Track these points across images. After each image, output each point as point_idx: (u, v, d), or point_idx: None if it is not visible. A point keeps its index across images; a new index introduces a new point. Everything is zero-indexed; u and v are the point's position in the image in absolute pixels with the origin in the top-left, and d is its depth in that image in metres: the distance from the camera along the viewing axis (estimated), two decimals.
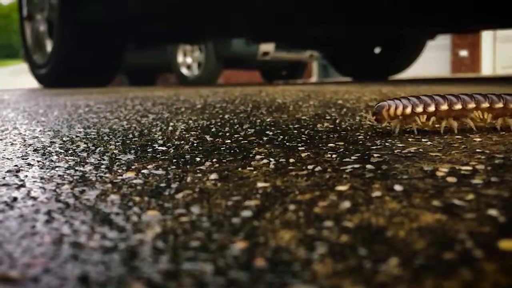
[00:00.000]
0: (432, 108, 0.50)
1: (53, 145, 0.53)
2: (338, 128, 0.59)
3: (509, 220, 0.24)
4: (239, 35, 3.08)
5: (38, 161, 0.44)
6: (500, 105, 0.50)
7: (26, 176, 0.38)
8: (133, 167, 0.40)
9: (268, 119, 0.70)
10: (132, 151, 0.47)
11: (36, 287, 0.18)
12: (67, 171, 0.39)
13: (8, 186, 0.34)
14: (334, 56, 3.25)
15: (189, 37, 2.86)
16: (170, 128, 0.65)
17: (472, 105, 0.50)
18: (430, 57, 6.40)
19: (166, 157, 0.44)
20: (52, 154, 0.47)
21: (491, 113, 0.51)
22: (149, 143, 0.52)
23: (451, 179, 0.32)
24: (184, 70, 4.40)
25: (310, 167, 0.37)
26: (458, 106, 0.50)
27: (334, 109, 0.80)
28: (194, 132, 0.59)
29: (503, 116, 0.51)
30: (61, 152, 0.48)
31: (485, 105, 0.50)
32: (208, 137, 0.54)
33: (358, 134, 0.53)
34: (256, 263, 0.20)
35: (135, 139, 0.56)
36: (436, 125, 0.51)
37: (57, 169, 0.40)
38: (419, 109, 0.50)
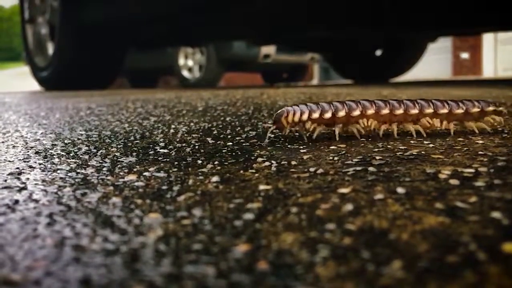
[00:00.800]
0: (328, 115, 0.50)
1: (54, 148, 0.52)
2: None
3: None
4: (240, 38, 3.08)
5: (39, 164, 0.44)
6: (387, 111, 0.50)
7: (28, 178, 0.38)
8: (134, 169, 0.40)
9: (270, 122, 0.70)
10: (134, 154, 0.47)
11: None
12: (69, 174, 0.39)
13: (9, 188, 0.34)
14: (335, 59, 3.25)
15: (190, 39, 2.87)
16: (171, 130, 0.65)
17: (371, 111, 0.50)
18: (431, 60, 6.40)
19: (168, 159, 0.44)
20: (54, 156, 0.47)
21: (390, 120, 0.51)
22: (151, 145, 0.52)
23: (454, 182, 0.32)
24: (185, 73, 4.41)
25: (312, 169, 0.37)
26: (357, 113, 0.50)
27: None
28: (196, 135, 0.59)
29: (392, 122, 0.51)
30: (62, 154, 0.48)
31: (371, 111, 0.50)
32: (209, 140, 0.54)
33: (360, 136, 0.53)
34: (259, 266, 0.20)
35: (137, 141, 0.56)
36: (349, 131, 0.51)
37: (58, 171, 0.40)
38: (316, 115, 0.50)
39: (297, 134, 0.53)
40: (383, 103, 0.51)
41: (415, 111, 0.50)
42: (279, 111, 0.51)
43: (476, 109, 0.51)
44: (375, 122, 0.51)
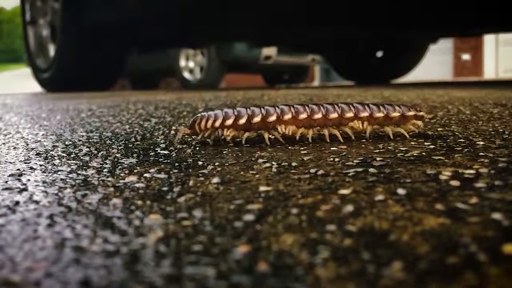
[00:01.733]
0: (243, 121, 0.50)
1: (55, 149, 0.53)
2: (340, 131, 0.59)
3: None
4: (241, 39, 3.08)
5: (40, 165, 0.44)
6: (304, 116, 0.50)
7: (29, 180, 0.38)
8: (135, 171, 0.40)
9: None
10: (135, 155, 0.47)
11: None
12: (70, 175, 0.39)
13: (10, 190, 0.34)
14: (336, 60, 3.25)
15: (191, 41, 2.87)
16: (172, 132, 0.65)
17: (288, 116, 0.50)
18: (433, 61, 6.40)
19: (168, 161, 0.44)
20: (55, 158, 0.47)
21: (310, 124, 0.50)
22: (152, 147, 0.52)
23: (455, 183, 0.32)
24: (186, 74, 4.41)
25: (312, 170, 0.37)
26: (273, 118, 0.49)
27: None
28: (196, 136, 0.59)
29: (312, 127, 0.51)
30: (63, 156, 0.48)
31: (288, 116, 0.50)
32: (210, 141, 0.54)
33: (360, 137, 0.53)
34: (259, 267, 0.20)
35: (138, 143, 0.56)
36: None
37: (59, 173, 0.40)
38: (229, 121, 0.50)
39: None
40: (302, 107, 0.50)
41: (334, 115, 0.50)
42: (195, 116, 0.51)
43: (396, 114, 0.51)
44: (293, 127, 0.50)
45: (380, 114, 0.51)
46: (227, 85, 5.85)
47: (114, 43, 2.38)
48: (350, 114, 0.50)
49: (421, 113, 0.52)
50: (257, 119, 0.50)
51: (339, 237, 0.23)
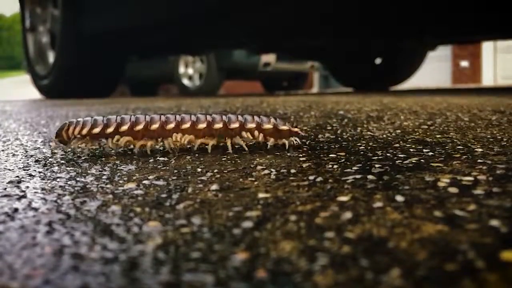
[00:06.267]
0: (110, 129, 0.49)
1: (54, 156, 0.53)
2: (339, 138, 0.59)
3: (511, 230, 0.24)
4: (240, 46, 3.09)
5: (39, 172, 0.44)
6: (172, 125, 0.49)
7: (27, 187, 0.38)
8: (134, 178, 0.40)
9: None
10: (133, 162, 0.47)
11: None
12: (68, 182, 0.39)
13: (9, 197, 0.34)
14: (335, 67, 3.26)
15: (191, 48, 2.88)
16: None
17: (156, 125, 0.49)
18: (431, 68, 6.42)
19: (167, 167, 0.44)
20: (54, 165, 0.47)
21: (182, 133, 0.50)
22: (150, 153, 0.52)
23: (453, 190, 0.32)
24: (185, 81, 4.42)
25: (311, 177, 0.37)
26: (140, 127, 0.49)
27: (335, 120, 0.80)
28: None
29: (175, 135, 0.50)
30: (62, 163, 0.48)
31: (156, 126, 0.49)
32: (209, 148, 0.54)
33: (359, 144, 0.53)
34: (257, 274, 0.20)
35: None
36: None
37: (58, 180, 0.40)
38: (97, 129, 0.49)
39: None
40: (172, 116, 0.50)
41: (220, 125, 0.50)
42: (62, 124, 0.50)
43: (269, 126, 0.50)
44: (191, 137, 0.50)
45: (252, 125, 0.50)
46: (226, 92, 5.86)
47: (113, 49, 2.38)
48: (236, 125, 0.50)
49: (296, 129, 0.52)
50: (124, 127, 0.48)
51: (338, 244, 0.23)
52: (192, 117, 0.50)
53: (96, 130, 0.49)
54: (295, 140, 0.52)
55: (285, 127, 0.51)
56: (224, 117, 0.51)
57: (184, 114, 0.51)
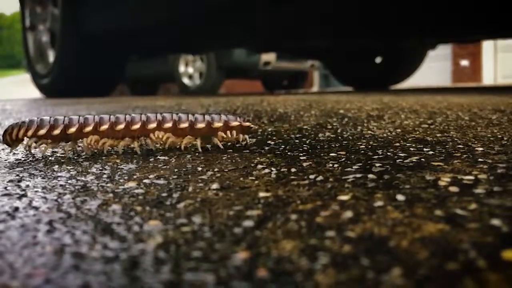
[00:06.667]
0: (57, 131, 0.48)
1: (54, 155, 0.53)
2: (339, 137, 0.59)
3: None
4: (241, 45, 3.09)
5: (40, 171, 0.44)
6: (121, 126, 0.49)
7: (28, 185, 0.38)
8: (134, 176, 0.40)
9: (270, 129, 0.70)
10: (134, 161, 0.47)
11: None
12: (69, 181, 0.39)
13: (9, 196, 0.34)
14: (335, 66, 3.26)
15: (191, 47, 2.87)
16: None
17: (105, 126, 0.49)
18: (431, 67, 6.41)
19: (168, 166, 0.44)
20: (54, 163, 0.47)
21: (131, 134, 0.49)
22: (151, 152, 0.52)
23: (454, 189, 0.32)
24: (185, 80, 4.42)
25: (311, 176, 0.37)
26: (72, 130, 0.48)
27: (335, 119, 0.80)
28: (195, 142, 0.59)
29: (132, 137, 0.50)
30: (62, 162, 0.48)
31: (89, 128, 0.49)
32: (209, 147, 0.54)
33: (359, 143, 0.53)
34: (258, 274, 0.20)
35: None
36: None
37: (58, 179, 0.40)
38: (43, 131, 0.48)
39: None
40: (122, 117, 0.49)
41: (153, 125, 0.49)
42: (8, 126, 0.50)
43: (219, 124, 0.50)
44: (109, 138, 0.49)
45: (202, 125, 0.50)
46: (226, 91, 5.86)
47: (113, 49, 2.38)
48: (169, 125, 0.49)
49: (247, 124, 0.52)
50: (72, 129, 0.48)
51: (339, 243, 0.23)
52: (142, 118, 0.50)
53: (42, 131, 0.48)
54: (247, 136, 0.52)
55: (236, 123, 0.51)
56: (175, 116, 0.50)
57: (135, 114, 0.50)
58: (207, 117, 0.51)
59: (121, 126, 0.49)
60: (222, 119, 0.51)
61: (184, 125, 0.50)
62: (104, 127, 0.49)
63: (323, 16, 1.82)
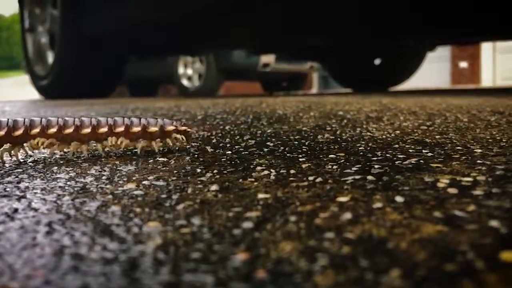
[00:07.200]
0: (2, 132, 0.47)
1: (54, 156, 0.53)
2: (338, 139, 0.59)
3: (510, 231, 0.24)
4: (240, 47, 3.09)
5: (39, 172, 0.44)
6: (54, 130, 0.48)
7: (27, 187, 0.38)
8: (134, 178, 0.40)
9: (269, 130, 0.70)
10: (133, 162, 0.47)
11: None
12: (68, 182, 0.39)
13: (9, 197, 0.34)
14: (334, 67, 3.26)
15: (190, 48, 2.88)
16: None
17: (35, 130, 0.48)
18: (430, 69, 6.42)
19: (167, 168, 0.44)
20: (53, 165, 0.47)
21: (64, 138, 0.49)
22: (150, 154, 0.52)
23: (452, 190, 0.32)
24: (185, 82, 4.42)
25: (311, 178, 0.37)
26: (19, 132, 0.47)
27: (334, 120, 0.80)
28: (195, 143, 0.59)
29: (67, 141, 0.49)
30: (62, 163, 0.48)
31: (36, 131, 0.48)
32: (208, 148, 0.55)
33: (358, 145, 0.53)
34: (257, 275, 0.20)
35: (136, 150, 0.56)
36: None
37: (58, 180, 0.40)
38: (1, 132, 0.47)
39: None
40: (54, 121, 0.49)
41: (87, 130, 0.49)
42: None
43: (154, 128, 0.50)
44: (42, 141, 0.48)
45: (137, 129, 0.50)
46: (225, 92, 5.86)
47: (112, 50, 2.38)
48: (104, 129, 0.49)
49: (183, 128, 0.52)
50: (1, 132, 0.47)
51: (338, 245, 0.23)
52: (76, 121, 0.49)
53: (1, 133, 0.47)
54: (182, 138, 0.52)
55: (171, 127, 0.51)
56: (93, 120, 0.50)
57: (68, 118, 0.50)
58: (143, 121, 0.50)
59: (53, 130, 0.48)
60: (158, 124, 0.51)
61: (120, 129, 0.49)
62: (35, 131, 0.47)
63: (322, 16, 1.82)
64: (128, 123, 0.50)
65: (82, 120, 0.49)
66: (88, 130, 0.49)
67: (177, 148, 0.53)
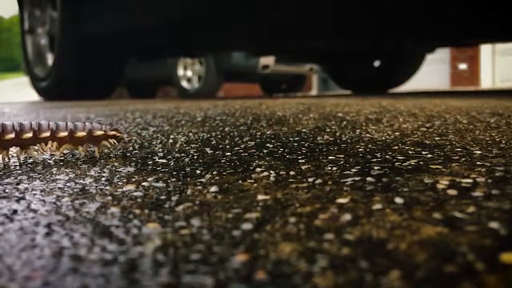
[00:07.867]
0: None
1: (53, 158, 0.53)
2: (338, 140, 0.59)
3: (510, 232, 0.24)
4: (240, 49, 3.09)
5: (38, 174, 0.44)
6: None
7: (26, 188, 0.38)
8: (133, 179, 0.40)
9: (268, 132, 0.70)
10: (133, 164, 0.47)
11: None
12: (67, 184, 0.39)
13: (8, 198, 0.34)
14: (333, 69, 3.27)
15: (190, 50, 2.88)
16: (170, 140, 0.65)
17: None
18: (430, 70, 6.42)
19: (166, 169, 0.44)
20: (52, 166, 0.47)
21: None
22: (150, 155, 0.52)
23: (452, 192, 0.32)
24: (184, 83, 4.42)
25: (310, 179, 0.37)
26: None
27: (334, 122, 0.80)
28: (194, 145, 0.59)
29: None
30: (61, 164, 0.48)
31: None
32: (208, 150, 0.55)
33: (358, 146, 0.53)
34: (257, 276, 0.20)
35: (135, 151, 0.56)
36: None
37: (57, 181, 0.40)
38: None
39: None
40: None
41: (29, 134, 0.48)
42: None
43: (82, 133, 0.49)
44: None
45: (65, 133, 0.49)
46: (224, 94, 5.86)
47: (112, 52, 2.38)
48: (29, 135, 0.48)
49: (112, 133, 0.51)
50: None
51: (337, 246, 0.23)
52: (15, 125, 0.48)
53: None
54: (114, 142, 0.51)
55: (100, 132, 0.50)
56: (34, 124, 0.49)
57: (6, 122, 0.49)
58: (69, 125, 0.50)
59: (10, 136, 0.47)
60: (87, 128, 0.50)
61: (46, 134, 0.48)
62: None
63: (322, 16, 1.82)
64: (53, 128, 0.49)
65: (4, 125, 0.48)
66: (12, 135, 0.47)
67: (106, 152, 0.52)
